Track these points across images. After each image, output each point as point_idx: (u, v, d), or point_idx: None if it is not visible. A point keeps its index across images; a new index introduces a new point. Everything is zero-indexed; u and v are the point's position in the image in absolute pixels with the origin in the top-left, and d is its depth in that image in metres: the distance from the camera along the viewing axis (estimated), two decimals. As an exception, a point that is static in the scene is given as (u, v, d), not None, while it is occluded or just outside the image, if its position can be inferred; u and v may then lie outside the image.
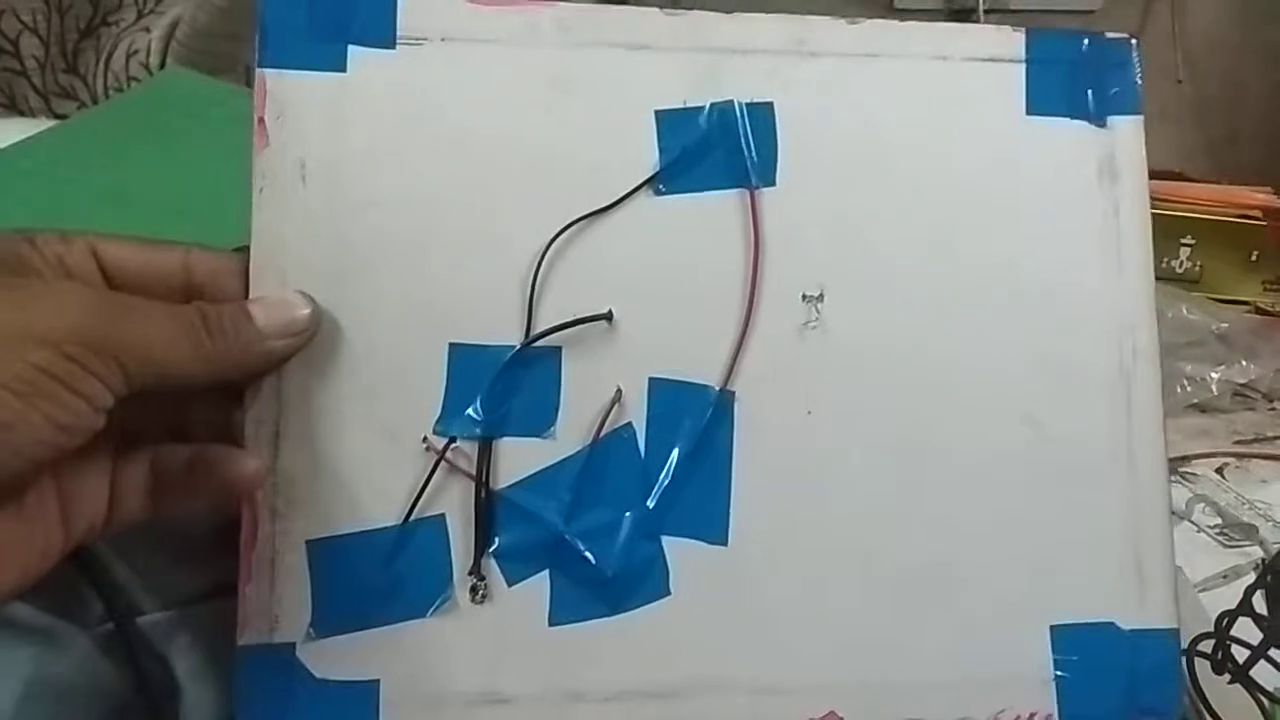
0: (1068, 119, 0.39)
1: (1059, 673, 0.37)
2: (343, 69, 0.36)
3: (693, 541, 0.36)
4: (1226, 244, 0.92)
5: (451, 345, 0.36)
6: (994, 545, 0.38)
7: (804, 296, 0.37)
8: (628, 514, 0.36)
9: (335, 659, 0.35)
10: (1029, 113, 0.39)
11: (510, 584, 0.36)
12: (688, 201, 0.37)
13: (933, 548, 0.37)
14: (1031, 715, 0.37)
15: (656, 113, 0.37)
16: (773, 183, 0.38)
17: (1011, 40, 0.39)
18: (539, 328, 0.36)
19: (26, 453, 0.27)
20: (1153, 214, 0.40)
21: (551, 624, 0.36)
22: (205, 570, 0.38)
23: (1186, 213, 0.92)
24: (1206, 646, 0.46)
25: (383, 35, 0.36)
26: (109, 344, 0.28)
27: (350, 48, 0.36)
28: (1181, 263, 0.92)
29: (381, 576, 0.35)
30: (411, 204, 0.36)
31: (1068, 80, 0.39)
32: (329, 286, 0.35)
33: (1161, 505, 0.39)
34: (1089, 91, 0.40)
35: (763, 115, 0.38)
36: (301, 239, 0.35)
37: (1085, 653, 0.38)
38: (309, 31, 0.36)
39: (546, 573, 0.36)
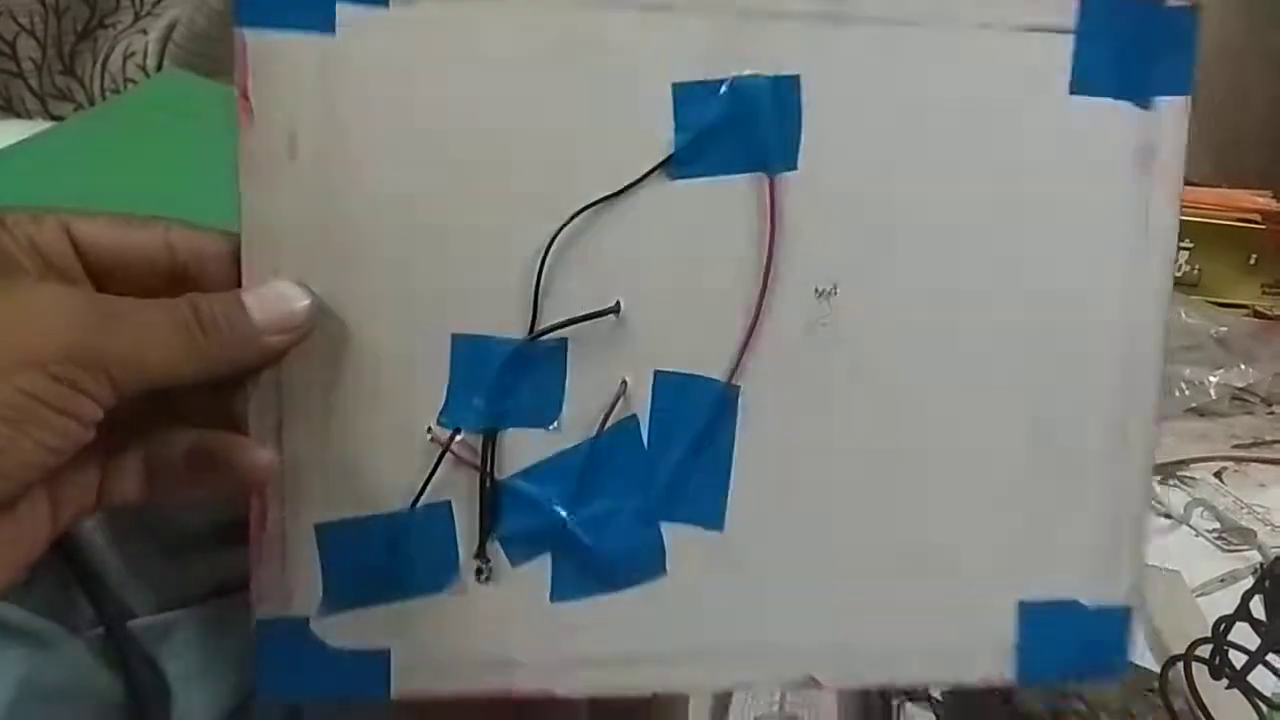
0: (1112, 99, 0.36)
1: (1020, 643, 0.38)
2: (330, 30, 0.33)
3: (689, 527, 0.37)
4: (1225, 247, 0.92)
5: (455, 336, 0.35)
6: (979, 530, 0.38)
7: (817, 291, 0.36)
8: (629, 505, 0.36)
9: (348, 631, 0.35)
10: (1072, 92, 0.36)
11: (514, 567, 0.36)
12: (703, 186, 0.35)
13: (921, 531, 0.38)
14: (990, 679, 0.39)
15: (674, 86, 0.34)
16: (794, 166, 0.35)
17: (1062, 6, 0.35)
18: (545, 318, 0.35)
19: (17, 477, 0.27)
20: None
21: (553, 600, 0.37)
22: (199, 570, 0.38)
23: (1185, 216, 0.91)
24: (1204, 651, 0.46)
25: None
26: (98, 358, 0.27)
27: (339, 5, 0.33)
28: (1180, 266, 0.92)
29: (389, 560, 0.35)
30: (407, 184, 0.34)
31: (1119, 54, 0.36)
32: (325, 271, 0.34)
33: (1144, 492, 0.39)
34: (1139, 68, 0.36)
35: (787, 90, 0.35)
36: (294, 220, 0.33)
37: (1047, 627, 0.38)
38: None
39: (548, 556, 0.36)
